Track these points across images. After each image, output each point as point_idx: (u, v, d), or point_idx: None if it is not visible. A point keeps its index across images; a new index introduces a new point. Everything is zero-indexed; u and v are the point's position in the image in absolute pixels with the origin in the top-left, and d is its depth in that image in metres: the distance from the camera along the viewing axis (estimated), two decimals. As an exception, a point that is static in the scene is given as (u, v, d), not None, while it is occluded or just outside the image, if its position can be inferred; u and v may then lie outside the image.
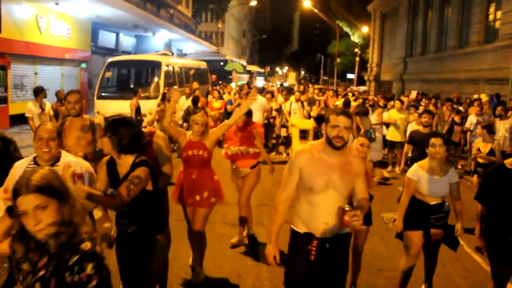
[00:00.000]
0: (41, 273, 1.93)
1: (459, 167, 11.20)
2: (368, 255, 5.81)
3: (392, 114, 10.95)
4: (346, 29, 47.99)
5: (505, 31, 17.44)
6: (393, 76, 33.71)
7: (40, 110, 9.15)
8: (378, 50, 40.31)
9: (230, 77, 25.49)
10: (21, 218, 1.90)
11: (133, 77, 16.77)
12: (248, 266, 5.41)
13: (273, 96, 14.82)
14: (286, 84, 41.33)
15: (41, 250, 1.94)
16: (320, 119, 12.01)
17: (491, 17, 19.81)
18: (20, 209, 1.89)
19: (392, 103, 12.15)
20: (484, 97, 11.96)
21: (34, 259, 1.95)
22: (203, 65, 21.80)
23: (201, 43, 40.33)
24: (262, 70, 54.69)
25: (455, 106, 12.07)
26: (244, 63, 40.69)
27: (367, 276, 5.34)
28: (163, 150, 4.31)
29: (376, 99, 15.58)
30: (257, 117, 11.76)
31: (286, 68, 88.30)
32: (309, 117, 12.44)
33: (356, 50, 44.96)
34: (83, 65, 21.73)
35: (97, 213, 3.78)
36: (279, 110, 13.08)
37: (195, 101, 11.60)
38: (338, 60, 50.63)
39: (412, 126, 9.47)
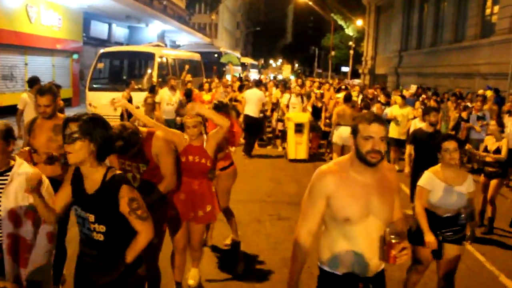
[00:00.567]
0: None
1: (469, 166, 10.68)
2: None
3: (394, 110, 10.49)
4: (341, 22, 47.68)
5: (502, 25, 17.28)
6: (388, 69, 33.54)
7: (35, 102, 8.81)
8: (373, 44, 40.12)
9: (224, 69, 25.21)
10: None
11: (125, 68, 16.47)
12: (246, 265, 5.21)
13: (266, 89, 14.56)
14: (280, 77, 41.08)
15: None
16: (316, 112, 11.79)
17: (488, 11, 19.62)
18: None
19: (394, 99, 11.69)
20: (489, 93, 11.70)
21: None
22: (197, 57, 21.51)
23: (195, 34, 39.97)
24: (256, 63, 54.32)
25: (459, 101, 11.78)
26: (239, 55, 40.38)
27: None
28: (164, 155, 3.67)
29: (375, 92, 15.35)
30: (253, 110, 11.54)
31: (280, 60, 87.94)
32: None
33: (351, 43, 44.74)
34: (75, 56, 21.34)
35: None
36: (276, 104, 12.82)
37: (187, 94, 11.32)
38: (333, 53, 50.42)
39: (415, 123, 8.98)
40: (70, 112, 13.74)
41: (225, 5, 62.79)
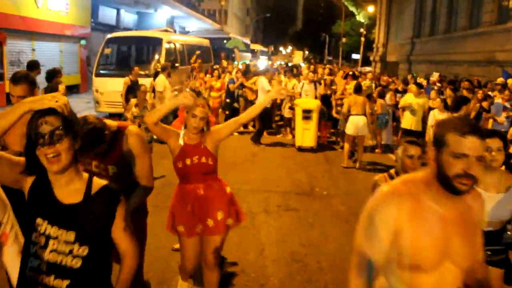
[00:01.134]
0: None
1: None
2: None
3: (408, 99, 9.64)
4: (352, 8, 46.98)
5: (519, 10, 16.78)
6: (399, 57, 32.99)
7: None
8: (385, 30, 39.47)
9: (233, 55, 24.87)
10: None
11: (133, 54, 16.22)
12: (251, 260, 4.98)
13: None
14: (290, 64, 40.59)
15: None
16: (325, 99, 11.43)
17: (504, -4, 19.11)
18: None
19: (410, 87, 10.85)
20: (510, 82, 11.17)
21: None
22: (206, 42, 21.19)
23: (204, 20, 39.56)
24: (265, 49, 53.79)
25: (475, 90, 11.17)
26: (248, 41, 39.94)
27: None
28: (139, 155, 3.04)
29: (390, 80, 14.85)
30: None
31: (290, 47, 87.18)
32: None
33: (362, 30, 44.10)
34: (83, 42, 21.15)
35: None
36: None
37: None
38: (343, 40, 49.79)
39: (435, 114, 8.40)
40: (77, 99, 13.52)
41: (235, -9, 62.15)
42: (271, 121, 12.47)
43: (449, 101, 8.86)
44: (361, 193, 7.67)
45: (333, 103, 11.29)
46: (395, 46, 35.98)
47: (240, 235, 5.53)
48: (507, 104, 9.08)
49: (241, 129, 12.99)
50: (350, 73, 12.98)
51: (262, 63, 32.68)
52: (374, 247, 1.80)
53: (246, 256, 5.03)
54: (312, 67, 15.00)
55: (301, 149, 10.61)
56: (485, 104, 9.62)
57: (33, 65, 8.31)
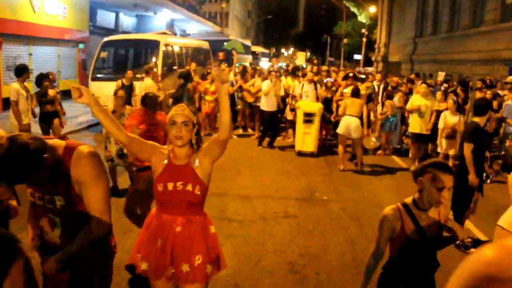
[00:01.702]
0: None
1: (495, 166, 9.36)
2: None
3: (415, 100, 9.16)
4: (353, 9, 46.77)
5: (523, 8, 16.47)
6: (402, 57, 32.69)
7: (26, 92, 8.25)
8: (386, 30, 39.16)
9: (232, 57, 24.61)
10: None
11: (130, 57, 15.98)
12: (246, 272, 4.71)
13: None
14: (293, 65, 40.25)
15: None
16: (327, 102, 11.04)
17: (507, -6, 18.78)
18: None
19: (416, 87, 10.51)
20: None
21: None
22: (205, 45, 20.91)
23: (205, 23, 39.35)
24: (267, 51, 53.58)
25: (484, 90, 10.70)
26: (249, 43, 39.68)
27: None
28: (90, 183, 2.35)
29: (400, 81, 14.25)
30: (274, 105, 10.92)
31: (292, 49, 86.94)
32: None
33: (363, 30, 43.83)
34: (81, 46, 20.90)
35: None
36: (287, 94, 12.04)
37: (185, 76, 10.72)
38: (345, 41, 49.53)
39: (446, 117, 8.20)
40: (76, 104, 13.15)
41: (236, -7, 61.99)
42: (275, 125, 11.62)
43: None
44: (362, 197, 7.41)
45: (334, 106, 10.93)
46: (397, 46, 35.66)
47: (235, 245, 5.27)
48: None
49: (240, 131, 12.73)
50: (351, 74, 12.39)
51: (264, 65, 32.43)
52: None
53: (240, 267, 4.75)
54: (315, 68, 14.59)
55: (300, 154, 10.27)
56: (494, 103, 9.25)
57: (22, 70, 8.06)
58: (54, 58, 18.74)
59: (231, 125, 2.71)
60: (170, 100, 11.77)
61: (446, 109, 8.56)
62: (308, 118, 10.13)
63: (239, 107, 12.58)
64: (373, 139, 11.36)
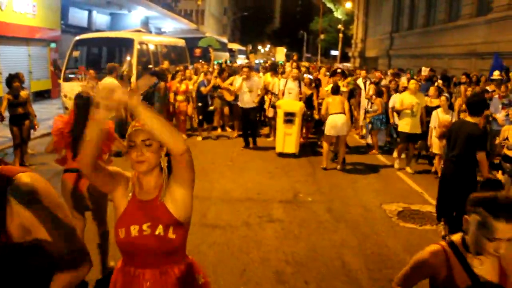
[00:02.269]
0: None
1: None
2: (376, 262, 4.88)
3: (406, 98, 8.56)
4: (329, 5, 46.71)
5: (499, 2, 16.48)
6: (379, 52, 32.77)
7: None
8: (363, 26, 39.29)
9: (209, 54, 24.24)
10: None
11: (103, 56, 15.46)
12: (230, 283, 4.42)
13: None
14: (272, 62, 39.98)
15: None
16: (307, 100, 10.74)
17: (483, -12, 18.85)
18: None
19: (402, 84, 10.05)
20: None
21: None
22: (181, 42, 20.49)
23: (180, 20, 38.79)
24: (243, 48, 53.19)
25: (472, 85, 10.37)
26: (226, 40, 39.30)
27: (376, 290, 4.40)
28: (39, 222, 1.56)
29: (382, 76, 13.78)
30: (253, 101, 10.55)
31: (268, 46, 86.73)
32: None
33: (340, 26, 43.86)
34: (53, 45, 20.24)
35: None
36: (266, 90, 11.70)
37: (158, 75, 10.18)
38: (322, 37, 49.52)
39: (438, 114, 7.88)
40: (49, 105, 12.67)
41: (211, -10, 61.39)
42: (252, 122, 11.20)
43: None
44: (346, 197, 7.19)
45: (315, 103, 10.68)
46: (373, 41, 35.76)
47: (218, 253, 4.98)
48: (505, 101, 8.51)
49: (219, 131, 12.39)
50: (339, 70, 12.09)
51: (242, 62, 32.11)
52: None
53: (225, 278, 4.46)
54: (295, 64, 14.24)
55: (279, 154, 9.88)
56: None
57: None
58: (25, 58, 18.07)
59: (177, 133, 1.96)
60: None
61: (438, 106, 8.35)
62: (289, 118, 9.74)
63: (215, 107, 12.15)
64: (356, 135, 11.18)
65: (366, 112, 10.55)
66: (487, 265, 2.03)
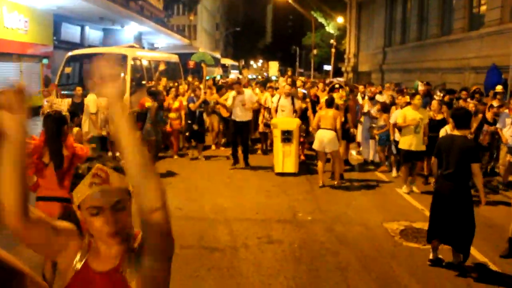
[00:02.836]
0: None
1: (495, 182, 8.88)
2: (382, 286, 4.70)
3: (409, 114, 8.16)
4: (321, 19, 46.90)
5: (491, 16, 16.57)
6: (371, 66, 32.85)
7: None
8: (355, 41, 39.41)
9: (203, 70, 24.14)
10: None
11: (97, 72, 15.25)
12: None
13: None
14: (260, 77, 40.08)
15: None
16: (304, 116, 10.59)
17: (475, 2, 18.96)
18: None
19: (403, 99, 9.60)
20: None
21: None
22: (175, 58, 20.40)
23: (173, 36, 38.83)
24: (236, 63, 53.32)
25: (473, 99, 10.02)
26: (218, 56, 39.34)
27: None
28: None
29: (377, 91, 13.48)
30: (247, 114, 10.35)
31: (261, 61, 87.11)
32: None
33: (332, 41, 44.03)
34: (45, 61, 20.13)
35: None
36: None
37: (153, 94, 9.87)
38: (314, 51, 49.71)
39: (447, 131, 7.43)
40: (38, 122, 12.44)
41: (204, 6, 61.60)
42: (244, 138, 10.64)
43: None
44: (347, 216, 7.02)
45: (311, 118, 10.50)
46: (366, 55, 35.87)
47: (217, 278, 4.79)
48: None
49: (213, 148, 12.17)
50: (337, 86, 12.00)
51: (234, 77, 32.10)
52: None
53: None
54: (289, 80, 14.10)
55: (278, 174, 9.58)
56: (489, 115, 8.72)
57: None
58: (17, 74, 17.92)
59: (157, 179, 1.43)
60: None
61: (443, 119, 8.20)
62: (286, 136, 9.53)
63: (209, 124, 11.99)
64: (354, 152, 11.02)
65: (370, 128, 10.35)
66: None
